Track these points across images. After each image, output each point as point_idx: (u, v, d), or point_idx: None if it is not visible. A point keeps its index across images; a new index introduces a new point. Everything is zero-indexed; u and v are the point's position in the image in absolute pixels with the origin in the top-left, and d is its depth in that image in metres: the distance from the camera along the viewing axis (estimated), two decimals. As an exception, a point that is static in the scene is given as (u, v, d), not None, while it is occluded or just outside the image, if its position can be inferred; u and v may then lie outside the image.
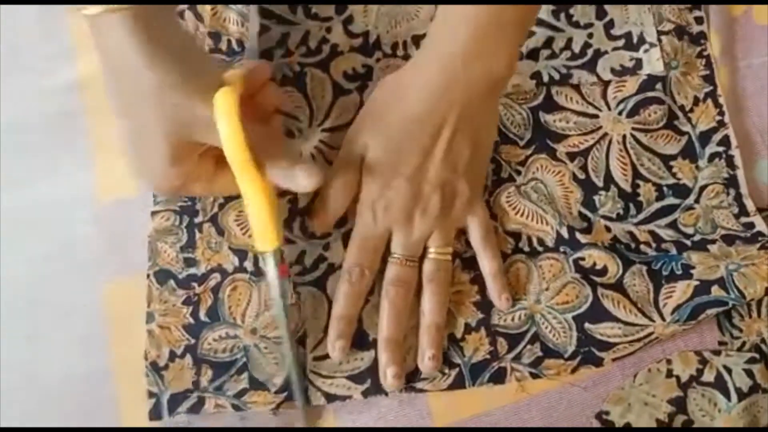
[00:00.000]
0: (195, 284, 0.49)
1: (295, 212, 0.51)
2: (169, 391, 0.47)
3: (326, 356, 0.48)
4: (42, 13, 0.55)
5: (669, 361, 0.49)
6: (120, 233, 0.51)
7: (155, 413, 0.47)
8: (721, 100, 0.56)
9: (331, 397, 0.48)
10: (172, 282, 0.49)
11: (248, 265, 0.50)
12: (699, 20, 0.58)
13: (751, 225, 0.53)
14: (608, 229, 0.52)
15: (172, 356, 0.48)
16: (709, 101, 0.56)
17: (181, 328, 0.48)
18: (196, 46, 0.48)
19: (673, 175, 0.54)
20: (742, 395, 0.48)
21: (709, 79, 0.57)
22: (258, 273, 0.50)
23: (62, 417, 0.47)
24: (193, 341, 0.48)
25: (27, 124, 0.53)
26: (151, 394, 0.47)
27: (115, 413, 0.47)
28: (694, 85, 0.56)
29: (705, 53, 0.57)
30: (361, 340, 0.49)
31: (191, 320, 0.49)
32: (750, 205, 0.53)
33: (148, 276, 0.49)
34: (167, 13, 0.44)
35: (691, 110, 0.56)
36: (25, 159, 0.52)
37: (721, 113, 0.56)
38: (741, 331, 0.50)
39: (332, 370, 0.48)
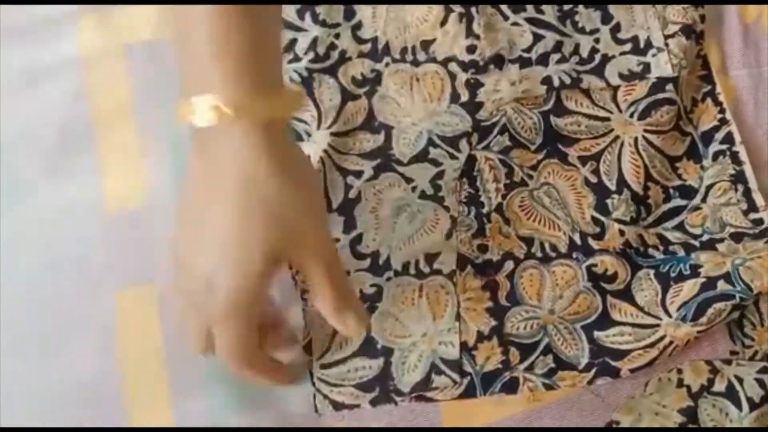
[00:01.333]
0: None
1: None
2: None
3: (333, 364, 0.47)
4: (50, 18, 0.54)
5: (680, 371, 0.49)
6: (130, 242, 0.50)
7: None
8: (721, 97, 0.56)
9: (338, 406, 0.47)
10: None
11: None
12: (702, 18, 0.57)
13: (760, 221, 0.53)
14: (622, 233, 0.52)
15: None
16: (709, 100, 0.56)
17: None
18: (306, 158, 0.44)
19: (679, 176, 0.54)
20: (753, 405, 0.47)
21: (707, 78, 0.56)
22: None
23: (71, 424, 0.46)
24: None
25: (36, 132, 0.52)
26: None
27: (124, 421, 0.46)
28: (693, 85, 0.56)
29: (702, 53, 0.57)
30: (369, 347, 0.48)
31: None
32: (759, 200, 0.53)
33: None
34: (288, 128, 0.42)
35: (691, 111, 0.56)
36: (34, 167, 0.51)
37: (722, 111, 0.55)
38: (753, 340, 0.50)
39: (339, 378, 0.47)
